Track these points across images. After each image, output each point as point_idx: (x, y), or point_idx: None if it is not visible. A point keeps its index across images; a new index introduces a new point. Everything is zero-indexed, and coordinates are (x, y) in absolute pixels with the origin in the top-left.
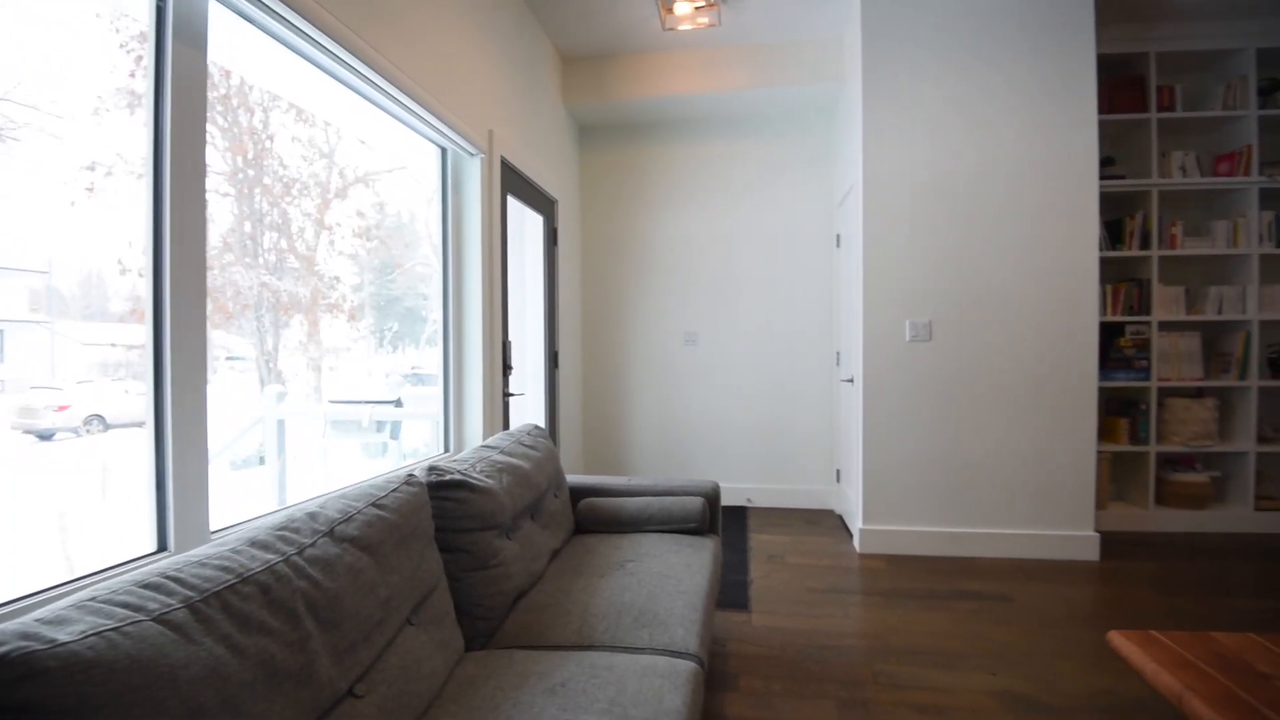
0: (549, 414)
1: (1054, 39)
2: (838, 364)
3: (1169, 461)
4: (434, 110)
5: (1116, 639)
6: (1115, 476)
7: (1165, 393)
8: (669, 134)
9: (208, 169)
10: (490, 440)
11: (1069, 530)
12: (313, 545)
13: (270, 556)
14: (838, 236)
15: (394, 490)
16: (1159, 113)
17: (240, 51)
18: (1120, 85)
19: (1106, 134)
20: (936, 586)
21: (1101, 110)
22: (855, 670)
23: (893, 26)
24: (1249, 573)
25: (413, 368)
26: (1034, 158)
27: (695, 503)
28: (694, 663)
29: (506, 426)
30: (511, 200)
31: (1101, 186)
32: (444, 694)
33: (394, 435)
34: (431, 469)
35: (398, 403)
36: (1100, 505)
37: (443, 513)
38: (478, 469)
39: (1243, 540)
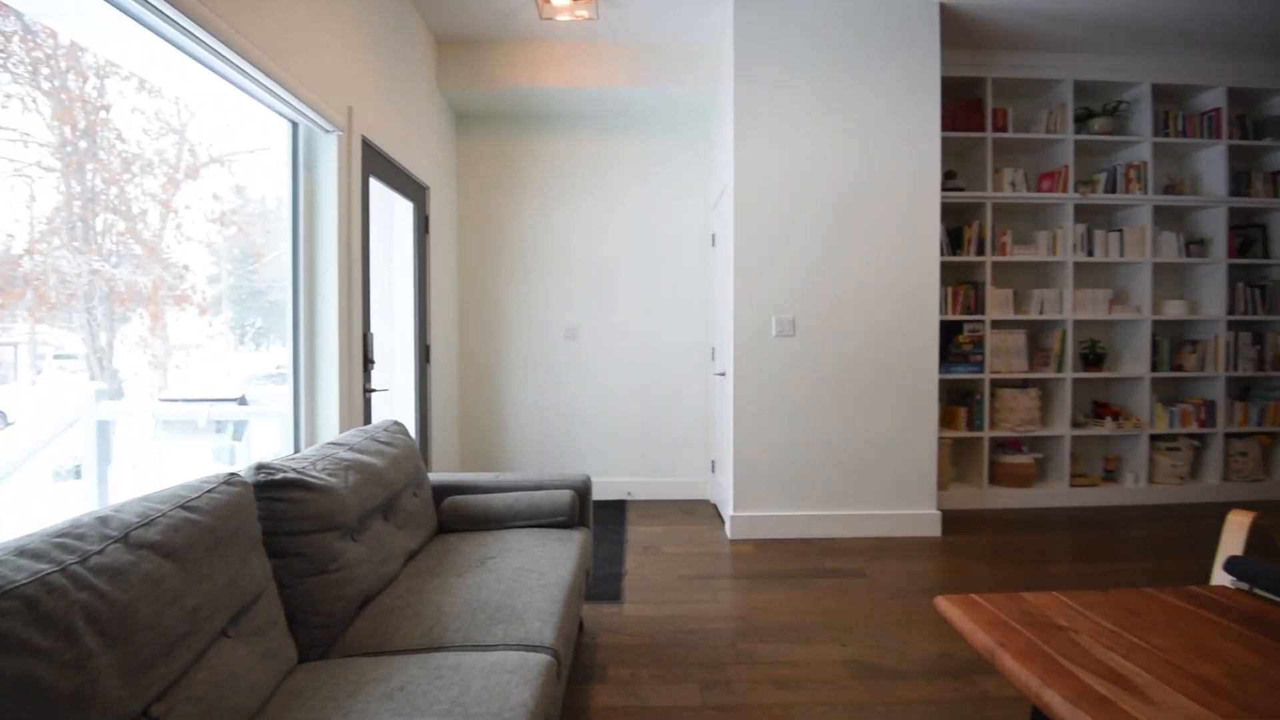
0: (419, 410)
1: (905, 61)
2: (713, 359)
3: (1000, 445)
4: (280, 79)
5: (942, 604)
6: (956, 460)
7: (997, 384)
8: (550, 126)
9: (26, 138)
10: (339, 437)
11: (915, 509)
12: (100, 553)
13: (43, 566)
14: (713, 236)
15: (209, 491)
16: (994, 133)
17: (71, 14)
18: (962, 106)
19: (950, 150)
20: (799, 567)
21: (945, 128)
22: (720, 652)
23: (762, 38)
24: (1065, 541)
25: (278, 367)
26: (887, 168)
27: (564, 496)
28: (548, 655)
29: (368, 424)
30: (377, 184)
31: (944, 197)
32: (266, 709)
33: (237, 436)
34: (260, 467)
35: (241, 400)
36: (942, 486)
37: (273, 514)
38: (318, 466)
39: (1061, 513)
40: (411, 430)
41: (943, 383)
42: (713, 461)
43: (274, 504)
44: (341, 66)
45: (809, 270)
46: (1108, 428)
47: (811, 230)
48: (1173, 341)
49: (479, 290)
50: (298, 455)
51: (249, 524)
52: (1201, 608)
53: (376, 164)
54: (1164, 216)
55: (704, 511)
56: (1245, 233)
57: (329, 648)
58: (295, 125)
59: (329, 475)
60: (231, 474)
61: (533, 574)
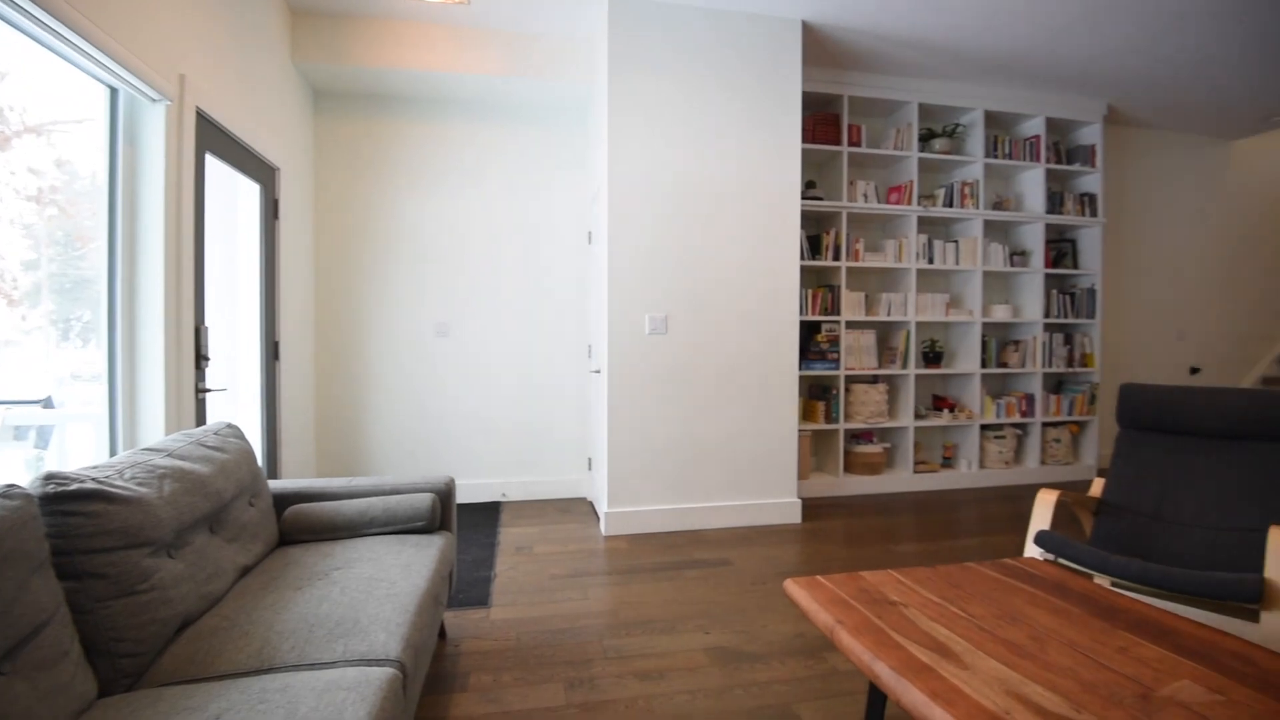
0: (267, 412)
1: (771, 74)
2: (590, 356)
3: (854, 437)
4: (91, 38)
5: (790, 586)
6: (815, 450)
7: (851, 380)
8: (422, 111)
9: None
10: (156, 442)
11: (778, 498)
12: None
13: None
14: (590, 233)
15: None
16: (850, 147)
17: None
18: (822, 120)
19: (811, 161)
20: (670, 559)
21: (807, 140)
22: (586, 649)
23: (637, 41)
24: (909, 523)
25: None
26: (753, 175)
27: (424, 499)
28: (392, 669)
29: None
30: (215, 162)
31: (805, 205)
32: None
33: (41, 445)
34: (49, 477)
35: (47, 403)
36: (803, 476)
37: (67, 530)
38: (126, 475)
39: (906, 497)
40: (257, 434)
41: (803, 379)
42: (589, 459)
43: (67, 519)
44: (173, 29)
45: (681, 270)
46: (945, 419)
47: (683, 231)
48: (999, 341)
49: (340, 283)
50: (103, 464)
51: (31, 543)
52: (1013, 578)
53: (215, 139)
54: (993, 230)
55: (580, 510)
56: (1059, 246)
57: (138, 678)
58: (114, 91)
59: (139, 485)
60: (10, 486)
61: (382, 584)
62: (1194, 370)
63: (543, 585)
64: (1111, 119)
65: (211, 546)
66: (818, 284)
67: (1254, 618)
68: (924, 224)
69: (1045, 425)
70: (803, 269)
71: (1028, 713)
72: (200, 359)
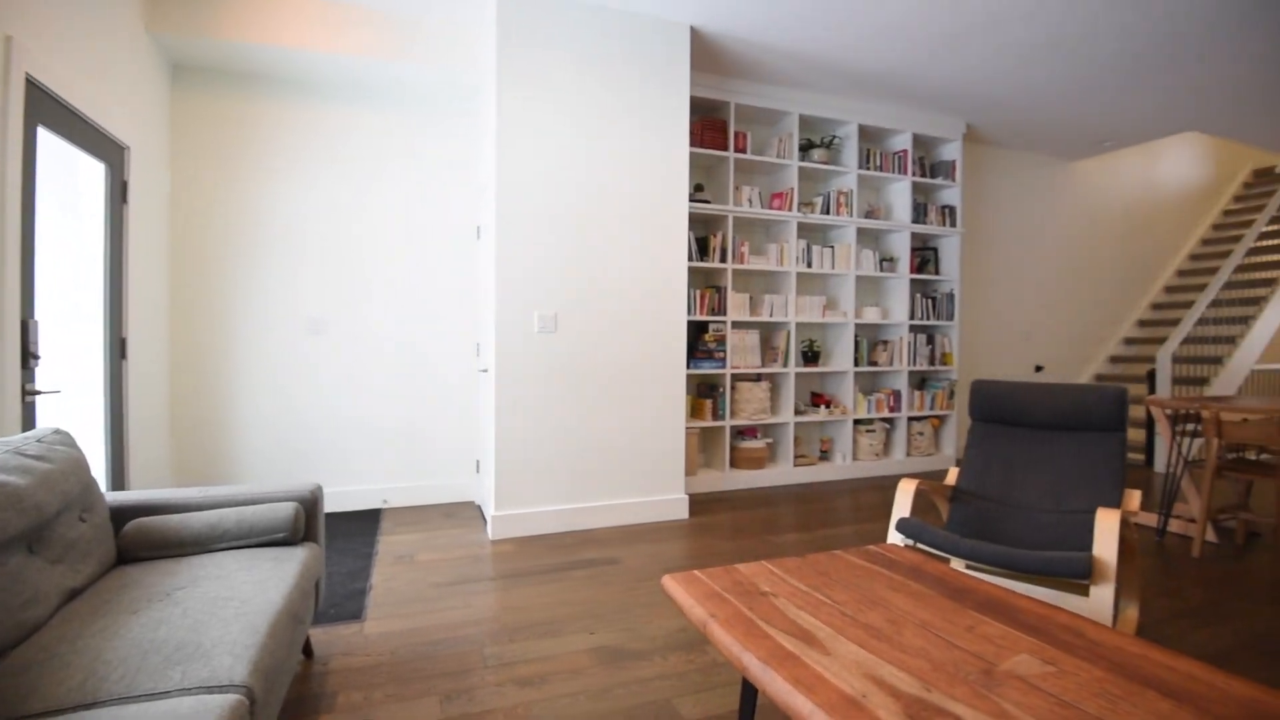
0: (111, 416)
1: (660, 76)
2: (478, 355)
3: (739, 433)
4: None
5: (667, 582)
6: (704, 447)
7: (736, 378)
8: (295, 91)
9: None
10: None
11: (667, 495)
12: None
13: None
14: (478, 228)
15: None
16: (736, 153)
17: None
18: (710, 126)
19: (699, 165)
20: (558, 560)
21: (695, 144)
22: (466, 659)
23: (527, 34)
24: (790, 514)
25: None
26: (643, 176)
27: (284, 510)
28: (238, 695)
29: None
30: (49, 136)
31: (693, 208)
32: None
33: None
34: None
35: None
36: (691, 472)
37: None
38: None
39: (788, 490)
40: (100, 441)
41: (692, 377)
42: (477, 461)
43: None
44: None
45: (572, 267)
46: (823, 415)
47: (574, 228)
48: (870, 341)
49: (200, 275)
50: None
51: None
52: (875, 564)
53: (50, 111)
54: (865, 237)
55: (467, 514)
56: (923, 253)
57: None
58: None
59: None
60: None
61: (232, 603)
62: (1038, 368)
63: (423, 595)
64: (970, 137)
65: (29, 568)
66: (705, 285)
67: (1085, 592)
68: (804, 229)
69: (911, 419)
70: (691, 270)
71: (883, 694)
72: (28, 357)
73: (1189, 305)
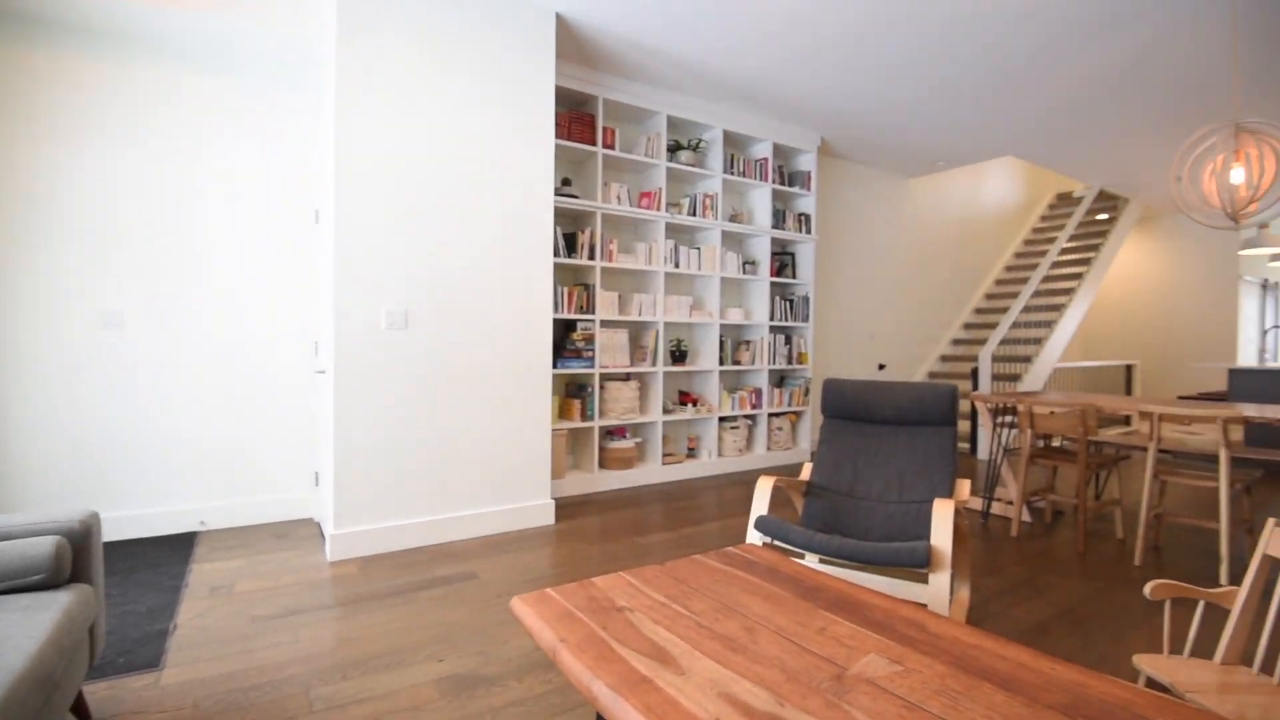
0: None
1: (525, 60)
2: (317, 354)
3: (609, 433)
4: None
5: (516, 606)
6: (572, 448)
7: (605, 377)
8: (89, 42)
9: None
10: None
11: (531, 501)
12: None
13: None
14: (316, 212)
15: None
16: (604, 149)
17: None
18: (577, 119)
19: (567, 158)
20: (407, 580)
21: (562, 136)
22: (287, 705)
23: (373, 7)
24: (658, 513)
25: None
26: (504, 165)
27: (41, 546)
28: None
29: None
30: None
31: (560, 202)
32: None
33: None
34: None
35: None
36: (559, 475)
37: None
38: None
39: (656, 489)
40: None
41: (560, 377)
42: (316, 473)
43: None
44: None
45: (425, 260)
46: (690, 413)
47: (428, 216)
48: (734, 341)
49: None
50: None
51: None
52: (734, 566)
53: None
54: (729, 239)
55: (304, 533)
56: (781, 258)
57: None
58: None
59: None
60: None
61: None
62: (881, 366)
63: (241, 631)
64: (824, 150)
65: None
66: (574, 282)
67: (925, 579)
68: (672, 230)
69: (771, 416)
70: (559, 267)
71: (736, 715)
72: None
73: (1005, 311)
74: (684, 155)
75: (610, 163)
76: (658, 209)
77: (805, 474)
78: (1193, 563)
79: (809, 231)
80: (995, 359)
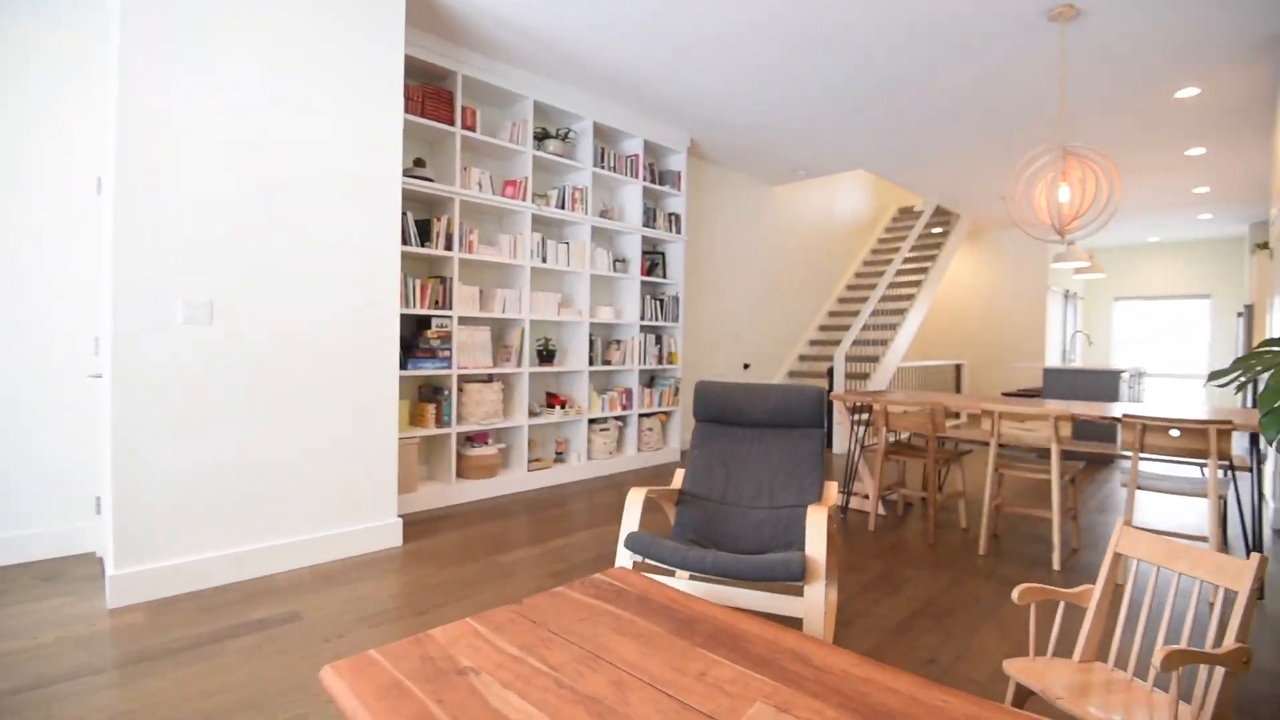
0: None
1: (368, 19)
2: (97, 353)
3: (468, 439)
4: None
5: (327, 677)
6: (426, 458)
7: (464, 379)
8: None
9: None
10: None
11: (373, 521)
12: None
13: None
14: (99, 179)
15: None
16: (464, 130)
17: None
18: (433, 94)
19: (419, 136)
20: (209, 628)
21: (414, 112)
22: None
23: None
24: (523, 525)
25: None
26: (344, 135)
27: None
28: None
29: None
30: None
31: (412, 185)
32: None
33: None
34: None
35: None
36: (409, 489)
37: None
38: None
39: (522, 497)
40: None
41: (411, 379)
42: (98, 498)
43: None
44: None
45: (236, 243)
46: (558, 415)
47: (241, 188)
48: (604, 340)
49: None
50: None
51: None
52: (602, 599)
53: None
54: (599, 236)
55: (81, 573)
56: (652, 257)
57: None
58: None
59: None
60: None
61: None
62: (746, 366)
63: None
64: (694, 151)
65: None
66: (428, 274)
67: (801, 592)
68: (539, 222)
69: (641, 416)
70: (411, 257)
71: None
72: None
73: (855, 314)
74: (552, 144)
75: (471, 145)
76: (523, 199)
77: (677, 481)
78: (1029, 549)
79: (679, 231)
80: (849, 359)
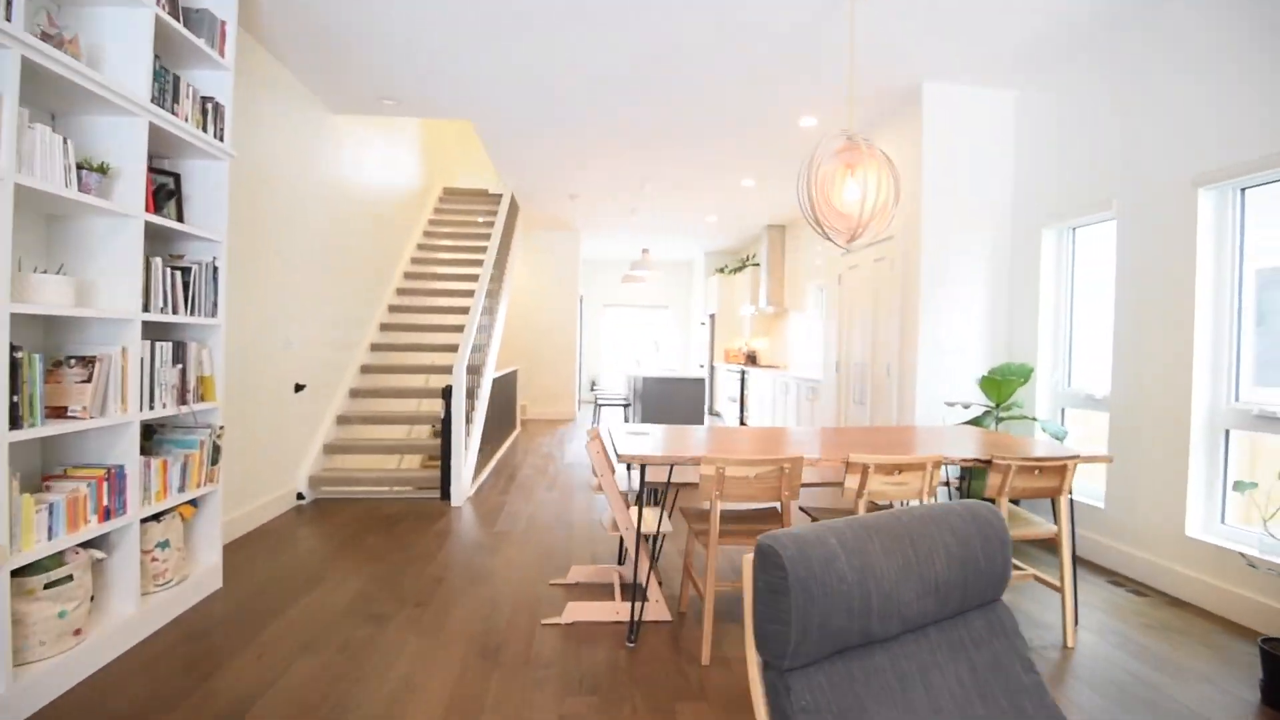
0: None
1: None
2: None
3: None
4: None
5: None
6: None
7: None
8: None
9: None
10: None
11: None
12: None
13: None
14: None
15: None
16: None
17: None
18: None
19: None
20: None
21: None
22: None
23: None
24: None
25: None
26: None
27: None
28: None
29: None
30: None
31: None
32: None
33: None
34: None
35: None
36: None
37: None
38: None
39: None
40: None
41: None
42: None
43: None
44: None
45: None
46: None
47: None
48: (48, 360)
49: None
50: None
51: None
52: None
53: None
54: (36, 89)
55: None
56: (163, 179)
57: None
58: None
59: None
60: None
61: None
62: (299, 388)
63: None
64: (247, 18)
65: None
66: None
67: None
68: None
69: (146, 522)
70: None
71: None
72: None
73: (421, 310)
74: None
75: None
76: None
77: None
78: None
79: (221, 137)
80: (432, 370)
